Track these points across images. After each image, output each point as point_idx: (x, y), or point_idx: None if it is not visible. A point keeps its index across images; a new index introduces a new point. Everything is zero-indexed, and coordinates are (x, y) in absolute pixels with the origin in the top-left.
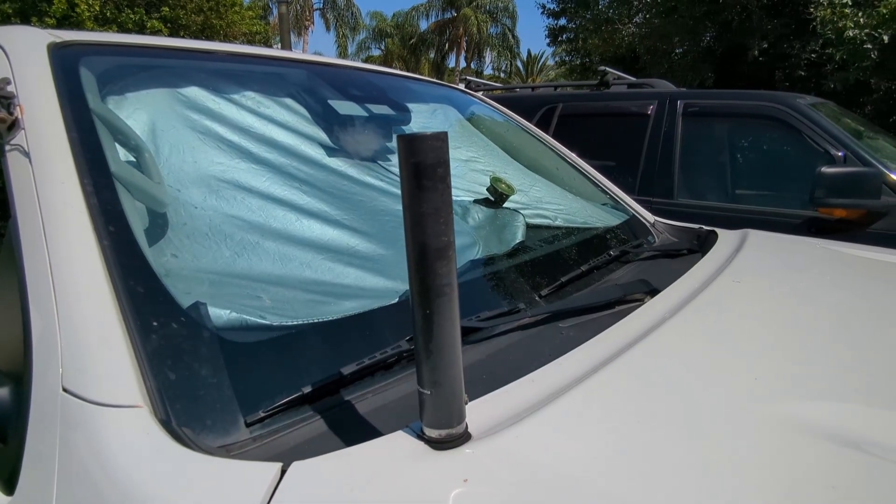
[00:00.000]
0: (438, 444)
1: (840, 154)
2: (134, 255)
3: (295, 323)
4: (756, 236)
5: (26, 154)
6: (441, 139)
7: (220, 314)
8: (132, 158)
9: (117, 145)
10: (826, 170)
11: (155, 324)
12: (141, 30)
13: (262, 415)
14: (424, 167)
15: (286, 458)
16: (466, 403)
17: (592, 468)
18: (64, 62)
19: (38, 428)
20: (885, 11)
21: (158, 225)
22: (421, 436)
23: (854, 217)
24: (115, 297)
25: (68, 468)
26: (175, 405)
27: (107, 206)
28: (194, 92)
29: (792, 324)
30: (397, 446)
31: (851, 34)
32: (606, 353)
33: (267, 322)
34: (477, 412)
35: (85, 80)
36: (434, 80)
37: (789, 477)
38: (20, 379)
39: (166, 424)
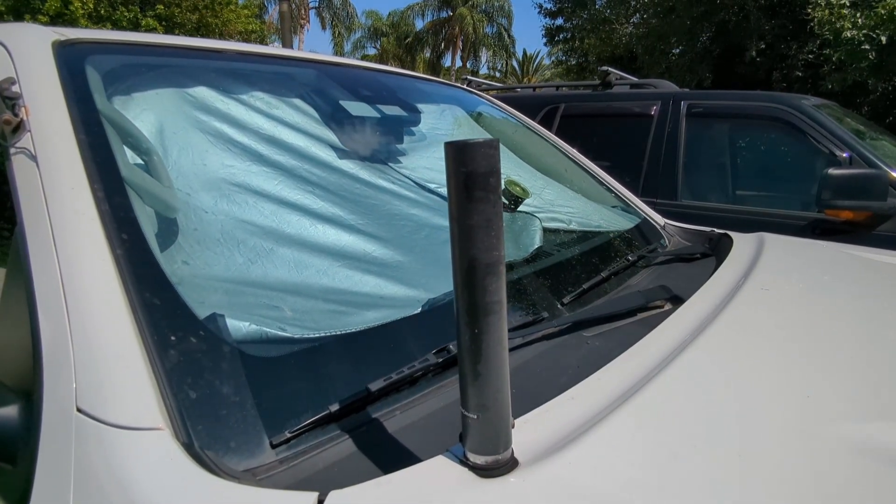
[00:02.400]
0: (484, 472)
1: (845, 155)
2: (149, 264)
3: (317, 335)
4: (773, 241)
5: (33, 157)
6: (493, 146)
7: (239, 327)
8: (140, 161)
9: (125, 148)
10: (833, 172)
11: (173, 338)
12: (135, 28)
13: (288, 435)
14: (476, 176)
15: (318, 484)
16: (513, 428)
17: (656, 500)
18: (70, 61)
19: (50, 450)
20: (883, 12)
21: (169, 231)
22: (464, 462)
23: (860, 219)
24: (131, 309)
25: (85, 494)
26: (197, 426)
27: (119, 213)
28: (202, 92)
29: (831, 334)
30: (441, 474)
31: (849, 35)
32: (646, 369)
33: (288, 335)
34: (519, 433)
35: (91, 80)
36: (442, 80)
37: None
38: (29, 396)
39: (189, 448)
